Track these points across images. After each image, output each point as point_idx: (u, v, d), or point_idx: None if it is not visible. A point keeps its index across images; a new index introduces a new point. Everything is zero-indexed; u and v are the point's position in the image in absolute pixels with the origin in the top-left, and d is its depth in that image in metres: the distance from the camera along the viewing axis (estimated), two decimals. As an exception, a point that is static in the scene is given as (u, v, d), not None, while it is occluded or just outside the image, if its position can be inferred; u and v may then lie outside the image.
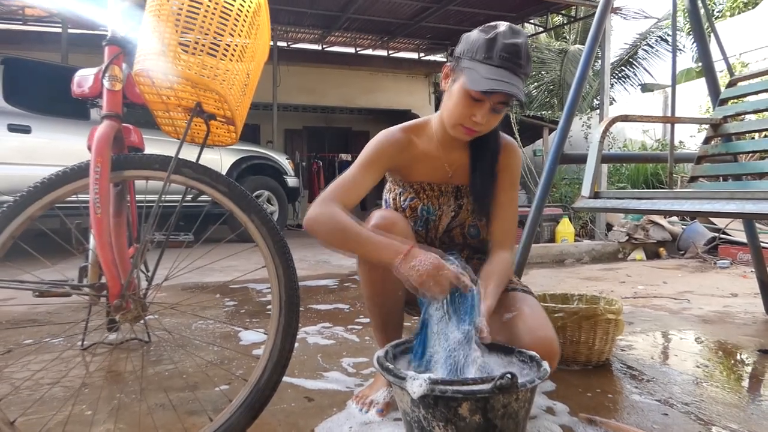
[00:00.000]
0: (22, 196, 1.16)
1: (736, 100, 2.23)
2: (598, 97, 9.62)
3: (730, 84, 2.24)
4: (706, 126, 2.21)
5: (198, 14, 1.17)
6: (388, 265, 1.17)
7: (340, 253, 1.31)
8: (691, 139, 7.83)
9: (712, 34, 2.50)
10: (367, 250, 1.23)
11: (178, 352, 2.07)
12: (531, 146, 10.30)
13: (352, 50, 10.37)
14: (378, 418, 1.42)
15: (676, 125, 2.24)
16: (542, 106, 11.97)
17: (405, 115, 11.35)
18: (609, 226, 6.20)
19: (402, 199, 1.51)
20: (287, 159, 7.00)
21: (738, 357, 2.13)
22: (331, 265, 4.61)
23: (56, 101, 4.77)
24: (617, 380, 1.81)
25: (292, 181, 6.85)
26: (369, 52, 10.47)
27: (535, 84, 12.71)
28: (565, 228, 5.93)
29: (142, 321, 1.25)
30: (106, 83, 1.31)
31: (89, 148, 1.36)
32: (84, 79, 1.59)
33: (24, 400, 1.54)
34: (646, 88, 12.92)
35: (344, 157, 11.90)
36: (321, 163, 11.57)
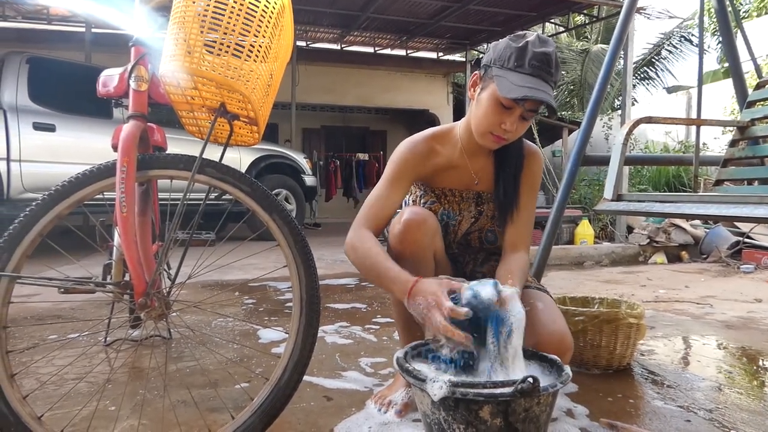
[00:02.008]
0: (50, 195, 1.18)
1: (763, 103, 2.18)
2: (619, 98, 9.51)
3: (759, 86, 2.19)
4: (731, 128, 2.17)
5: (223, 15, 1.18)
6: (399, 297, 1.22)
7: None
8: (714, 141, 7.69)
9: (739, 34, 2.45)
10: (383, 284, 1.28)
11: (199, 349, 2.09)
12: (550, 147, 10.21)
13: (370, 50, 10.37)
14: (397, 418, 1.42)
15: (701, 127, 2.20)
16: (562, 106, 11.86)
17: (423, 114, 11.34)
18: (629, 229, 6.12)
19: (422, 201, 1.51)
20: (305, 158, 7.03)
21: (762, 363, 2.09)
22: (348, 264, 4.61)
23: (80, 100, 4.85)
24: (638, 385, 1.78)
25: (309, 180, 6.88)
26: (387, 51, 10.47)
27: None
28: (585, 230, 5.86)
29: (165, 318, 1.26)
30: (132, 84, 1.33)
31: (114, 147, 1.38)
32: (109, 78, 1.62)
33: (50, 395, 1.57)
34: (669, 89, 12.73)
35: (361, 156, 11.90)
36: (338, 163, 11.58)
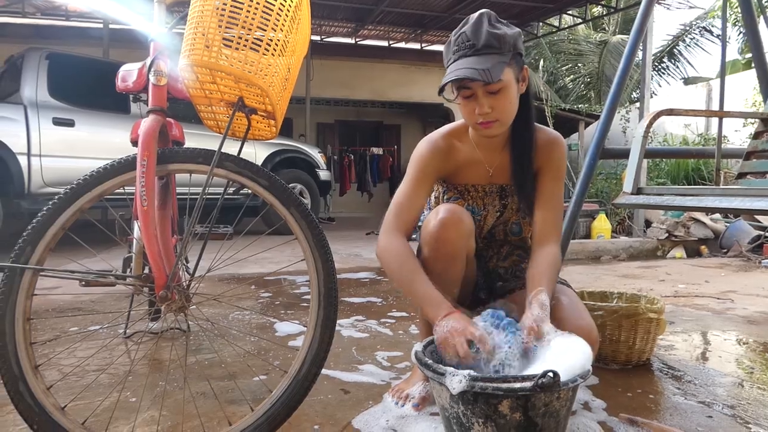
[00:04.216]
0: (72, 189, 1.19)
1: (788, 93, 2.13)
2: (637, 90, 9.38)
3: (783, 76, 2.15)
4: (753, 120, 2.13)
5: (241, 10, 1.18)
6: (431, 320, 1.23)
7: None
8: (735, 133, 7.55)
9: (763, 23, 2.39)
10: (417, 301, 1.29)
11: (217, 341, 2.11)
12: (566, 140, 10.10)
13: (384, 43, 10.34)
14: (414, 412, 1.42)
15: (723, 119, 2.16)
16: (579, 99, 11.72)
17: (437, 108, 11.29)
18: (648, 223, 6.04)
19: (445, 198, 1.51)
20: (319, 152, 7.05)
21: (786, 360, 2.05)
22: (363, 259, 4.63)
23: (98, 95, 4.91)
24: (658, 380, 1.76)
25: (324, 174, 6.90)
26: (402, 45, 10.43)
27: (572, 77, 12.46)
28: (602, 224, 5.81)
29: (184, 311, 1.27)
30: (152, 78, 1.34)
31: (133, 142, 1.39)
32: (128, 73, 1.63)
33: (72, 386, 1.60)
34: (688, 81, 12.51)
35: (375, 150, 11.91)
36: (352, 157, 11.60)
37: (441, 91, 1.31)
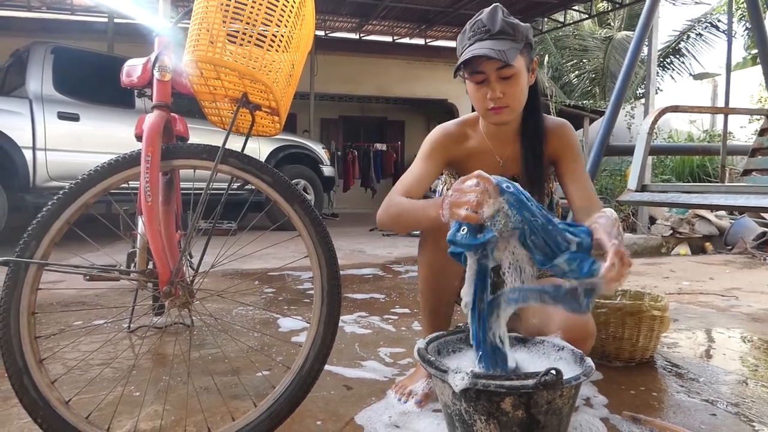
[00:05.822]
0: (77, 184, 1.19)
1: (795, 90, 2.12)
2: (642, 86, 9.33)
3: (790, 73, 2.13)
4: (758, 117, 2.12)
5: (245, 5, 1.18)
6: (436, 218, 1.16)
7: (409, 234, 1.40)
8: (740, 130, 7.50)
9: (770, 20, 2.38)
10: (419, 215, 1.30)
11: (221, 337, 2.12)
12: (570, 136, 10.05)
13: (389, 39, 10.32)
14: (417, 408, 1.42)
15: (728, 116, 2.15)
16: (583, 95, 11.68)
17: (441, 104, 11.27)
18: (652, 220, 6.02)
19: None
20: (323, 148, 7.04)
21: (790, 358, 2.05)
22: (366, 255, 4.63)
23: (103, 90, 4.91)
24: (661, 378, 1.76)
25: (327, 170, 6.90)
26: (406, 40, 10.41)
27: (577, 73, 12.41)
28: (606, 221, 5.78)
29: (188, 307, 1.28)
30: (156, 74, 1.34)
31: (138, 137, 1.39)
32: (133, 68, 1.63)
33: (76, 380, 1.61)
34: (697, 77, 12.44)
35: (379, 146, 11.89)
36: (356, 153, 11.59)
37: (457, 71, 1.34)
